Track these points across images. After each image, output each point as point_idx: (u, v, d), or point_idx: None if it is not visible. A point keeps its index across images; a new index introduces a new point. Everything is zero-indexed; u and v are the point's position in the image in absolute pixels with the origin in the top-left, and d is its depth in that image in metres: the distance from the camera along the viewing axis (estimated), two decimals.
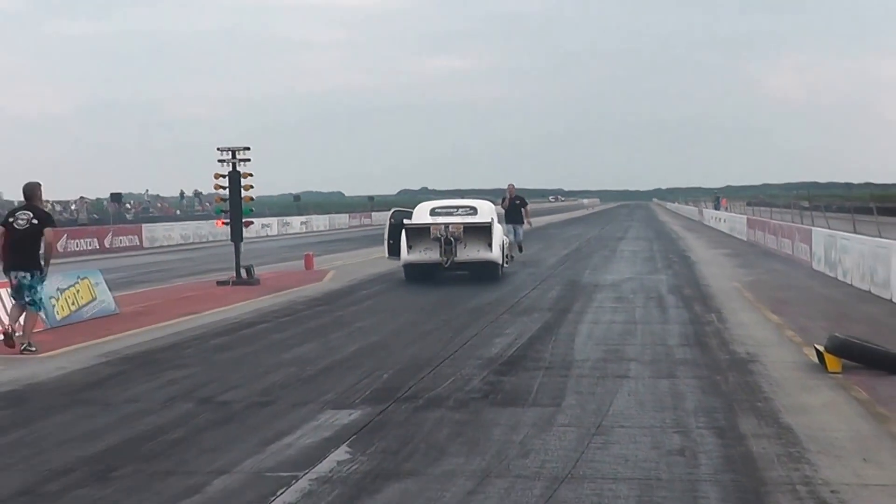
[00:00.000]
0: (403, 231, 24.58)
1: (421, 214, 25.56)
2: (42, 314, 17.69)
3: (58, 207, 66.68)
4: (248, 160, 26.63)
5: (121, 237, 50.78)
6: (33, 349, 15.08)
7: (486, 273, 24.33)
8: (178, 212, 77.84)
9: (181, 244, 54.81)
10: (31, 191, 15.86)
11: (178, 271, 32.82)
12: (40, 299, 15.70)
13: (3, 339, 14.96)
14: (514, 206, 33.09)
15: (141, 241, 52.32)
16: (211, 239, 56.87)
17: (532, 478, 8.02)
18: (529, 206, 35.68)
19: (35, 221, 15.36)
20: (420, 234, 24.17)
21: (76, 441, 9.69)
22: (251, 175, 26.68)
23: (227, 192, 26.66)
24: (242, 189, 26.58)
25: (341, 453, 8.94)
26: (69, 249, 45.49)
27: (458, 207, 26.06)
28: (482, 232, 24.15)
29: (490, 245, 24.09)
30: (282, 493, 7.72)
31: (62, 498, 7.77)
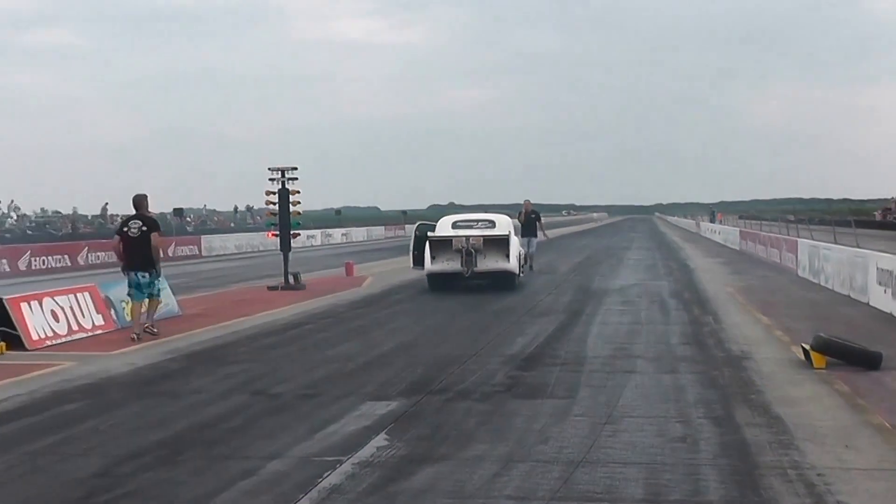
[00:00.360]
0: (427, 243, 23.88)
1: (444, 227, 24.83)
2: (113, 315, 17.85)
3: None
4: (296, 179, 26.77)
5: (182, 247, 50.83)
6: (155, 331, 16.59)
7: (503, 282, 23.58)
8: (232, 224, 77.78)
9: (235, 253, 54.91)
10: (139, 201, 16.91)
11: (232, 277, 32.77)
12: (159, 291, 16.93)
13: (133, 339, 15.92)
14: (529, 219, 32.27)
15: (200, 250, 52.41)
16: (262, 249, 56.88)
17: (551, 462, 8.01)
18: (544, 220, 34.79)
19: (144, 228, 16.33)
20: (443, 245, 23.50)
21: (146, 428, 9.69)
22: (298, 192, 26.81)
23: (276, 207, 26.80)
24: (290, 205, 26.72)
25: (380, 440, 8.92)
26: None
27: (477, 221, 25.28)
28: (500, 244, 23.49)
29: (507, 256, 23.41)
30: (328, 476, 7.70)
31: (134, 479, 7.78)
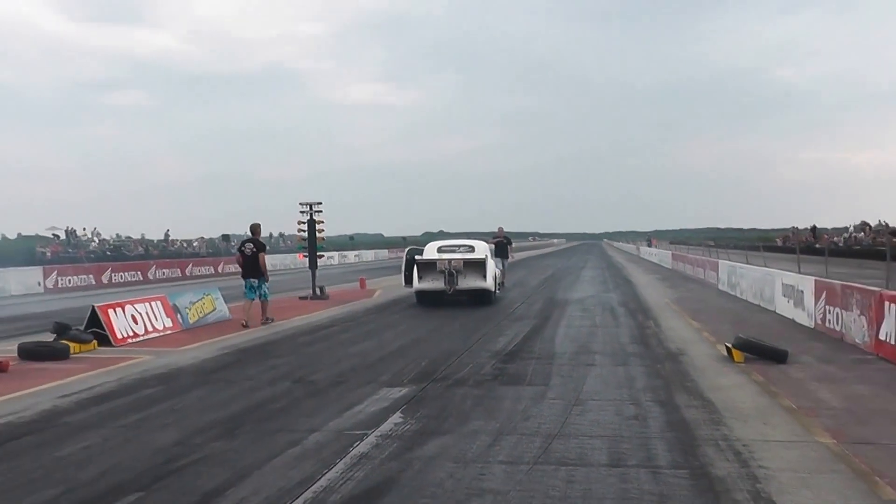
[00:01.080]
0: (415, 265, 22.70)
1: (430, 252, 23.50)
2: (179, 319, 17.83)
3: (184, 244, 66.85)
4: (321, 211, 26.81)
5: (228, 265, 50.72)
6: (272, 319, 19.03)
7: (481, 298, 22.43)
8: (267, 248, 77.67)
9: (270, 271, 54.43)
10: (255, 228, 19.55)
11: (271, 290, 32.47)
12: (265, 293, 19.05)
13: (243, 325, 17.88)
14: (501, 244, 30.75)
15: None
16: (292, 267, 56.59)
17: (533, 435, 8.02)
18: (514, 244, 34.51)
19: (255, 249, 18.85)
20: (429, 267, 22.34)
21: (210, 408, 9.70)
22: (322, 222, 26.86)
23: (306, 233, 26.83)
24: (317, 232, 26.76)
25: (396, 418, 8.93)
26: (194, 274, 45.53)
27: (459, 246, 23.80)
28: (478, 266, 22.35)
29: (485, 276, 22.25)
30: (357, 445, 7.72)
31: (204, 448, 7.80)
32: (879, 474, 6.57)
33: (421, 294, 22.63)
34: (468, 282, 22.07)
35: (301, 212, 26.69)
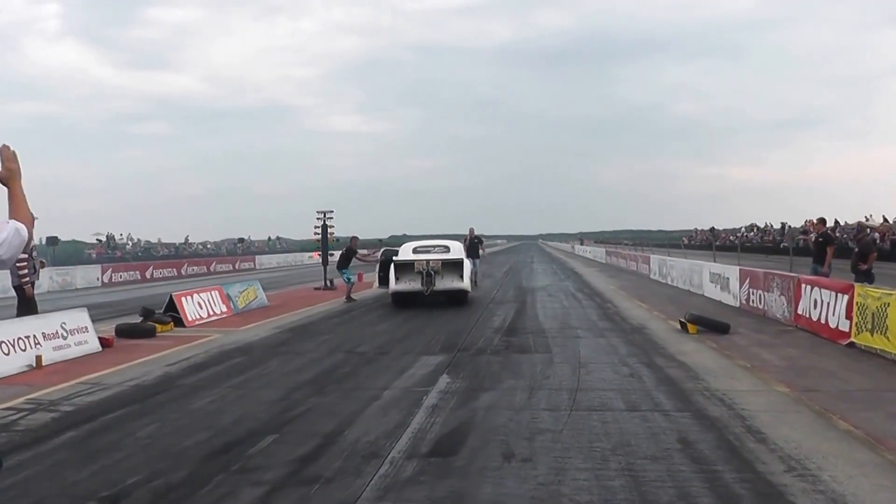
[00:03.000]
0: (392, 266, 19.07)
1: (406, 252, 19.76)
2: (231, 304, 17.99)
3: (200, 246, 66.34)
4: (332, 217, 27.02)
5: (244, 263, 50.68)
6: (355, 300, 20.74)
7: (458, 298, 19.10)
8: (266, 248, 77.22)
9: (277, 267, 54.54)
10: (352, 240, 21.61)
11: (286, 282, 32.34)
12: (349, 279, 20.94)
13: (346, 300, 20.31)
14: (473, 244, 26.26)
15: (255, 264, 52.21)
16: (294, 263, 56.66)
17: (558, 390, 8.35)
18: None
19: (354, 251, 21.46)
20: (406, 268, 18.79)
21: (292, 373, 9.89)
22: (333, 227, 27.07)
23: (319, 236, 27.04)
24: (328, 234, 26.98)
25: (445, 379, 9.16)
26: (217, 270, 45.34)
27: (434, 246, 20.10)
28: (456, 266, 18.93)
29: (462, 276, 18.82)
30: (426, 398, 8.04)
31: (306, 402, 8.03)
32: (831, 412, 7.09)
33: (397, 295, 19.03)
34: (445, 282, 18.76)
35: (317, 218, 26.88)
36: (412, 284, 18.61)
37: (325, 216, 26.85)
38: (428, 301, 18.81)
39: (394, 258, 19.62)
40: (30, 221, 3.34)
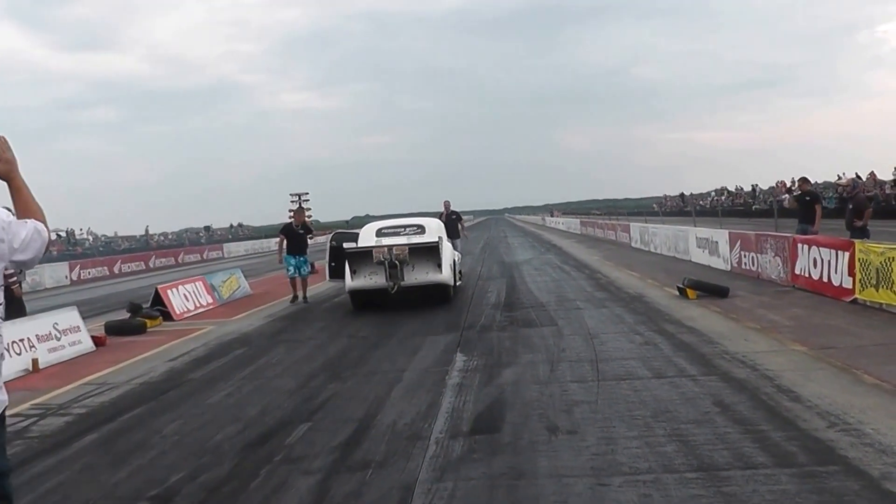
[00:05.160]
0: (346, 256, 14.52)
1: (367, 236, 15.39)
2: (215, 295, 17.84)
3: (162, 237, 65.67)
4: (308, 200, 26.87)
5: (212, 252, 50.12)
6: (307, 301, 16.86)
7: (437, 295, 14.55)
8: (230, 236, 76.61)
9: (245, 254, 53.58)
10: (296, 214, 18.42)
11: (260, 269, 31.33)
12: (300, 270, 16.82)
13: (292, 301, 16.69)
14: (451, 220, 21.06)
15: (223, 253, 51.65)
16: (261, 250, 56.00)
17: (579, 361, 8.41)
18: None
19: (301, 231, 17.10)
20: (363, 258, 14.07)
21: (301, 361, 9.83)
22: (310, 209, 26.86)
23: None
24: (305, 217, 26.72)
25: (461, 357, 9.13)
26: (185, 261, 44.81)
27: (404, 227, 15.73)
28: (430, 252, 14.16)
29: (439, 266, 14.19)
30: (448, 377, 8.07)
31: (326, 388, 8.03)
32: (855, 368, 7.29)
33: (355, 294, 14.59)
34: (418, 274, 14.15)
35: (292, 200, 26.76)
36: (374, 279, 14.11)
37: (299, 199, 26.74)
38: (402, 297, 14.44)
39: (345, 245, 15.31)
40: (44, 218, 3.13)
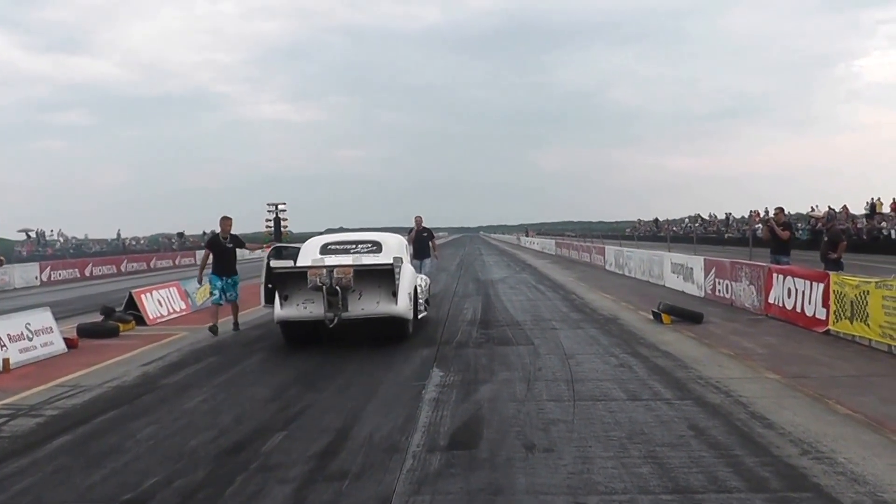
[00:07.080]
0: (275, 278, 11.42)
1: (308, 253, 12.42)
2: (190, 301, 17.72)
3: (133, 241, 65.14)
4: (285, 210, 26.79)
5: (184, 258, 49.58)
6: (238, 330, 13.94)
7: (389, 330, 11.56)
8: (202, 243, 75.90)
9: None
10: (223, 222, 14.26)
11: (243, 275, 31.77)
12: (225, 294, 14.00)
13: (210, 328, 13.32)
14: (421, 238, 18.60)
15: (196, 260, 50.97)
16: (240, 258, 55.55)
17: (555, 380, 8.45)
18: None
19: (230, 245, 14.13)
20: (297, 280, 11.07)
21: (275, 370, 9.78)
22: (286, 219, 26.84)
23: (272, 228, 26.79)
24: (282, 227, 26.73)
25: (437, 372, 9.13)
26: (157, 266, 44.36)
27: (357, 243, 12.78)
28: (383, 276, 11.09)
29: (395, 294, 11.14)
30: (425, 391, 8.06)
31: (303, 398, 7.96)
32: (828, 398, 7.40)
33: (286, 327, 11.66)
34: (366, 304, 11.18)
35: (269, 210, 26.68)
36: (309, 308, 11.18)
37: (276, 209, 26.63)
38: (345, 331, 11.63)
39: (276, 264, 12.02)
40: None
